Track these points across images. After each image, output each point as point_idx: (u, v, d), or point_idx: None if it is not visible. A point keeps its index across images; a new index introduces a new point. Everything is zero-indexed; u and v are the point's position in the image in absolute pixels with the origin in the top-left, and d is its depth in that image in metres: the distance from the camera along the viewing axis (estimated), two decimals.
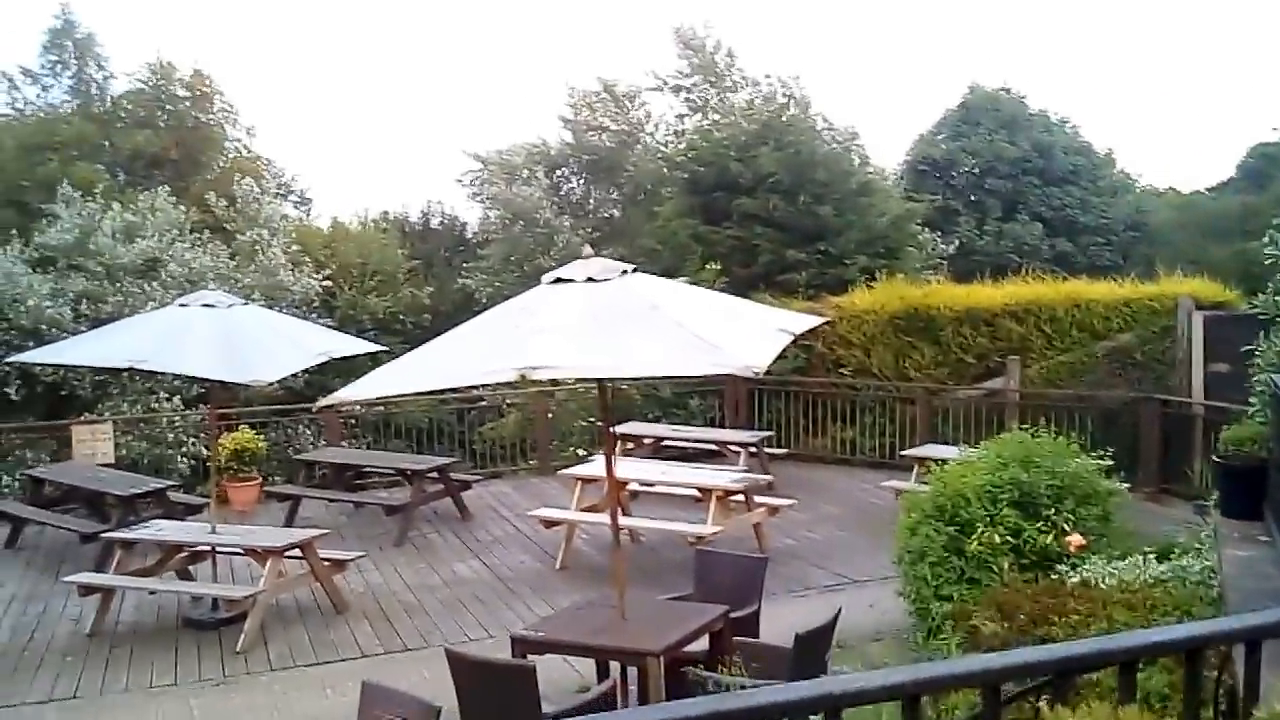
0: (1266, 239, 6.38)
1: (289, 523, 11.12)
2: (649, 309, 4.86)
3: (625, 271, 5.28)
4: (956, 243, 27.10)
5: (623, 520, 9.64)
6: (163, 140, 23.27)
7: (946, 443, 11.78)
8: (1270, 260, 6.33)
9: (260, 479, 12.17)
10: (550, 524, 9.79)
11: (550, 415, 14.33)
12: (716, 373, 4.47)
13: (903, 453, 11.71)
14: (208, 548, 8.34)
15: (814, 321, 5.73)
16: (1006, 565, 6.28)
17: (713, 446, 12.71)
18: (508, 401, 14.63)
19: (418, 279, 24.13)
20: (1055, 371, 12.77)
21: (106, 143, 23.24)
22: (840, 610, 5.45)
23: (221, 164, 24.49)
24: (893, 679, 2.15)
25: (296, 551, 8.19)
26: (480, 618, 8.34)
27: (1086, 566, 5.39)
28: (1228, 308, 11.87)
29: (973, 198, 30.17)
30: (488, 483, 13.37)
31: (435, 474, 11.17)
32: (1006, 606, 4.23)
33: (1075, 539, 5.88)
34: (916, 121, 47.23)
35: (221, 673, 7.34)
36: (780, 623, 7.99)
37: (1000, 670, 2.25)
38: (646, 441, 12.89)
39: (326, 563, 8.49)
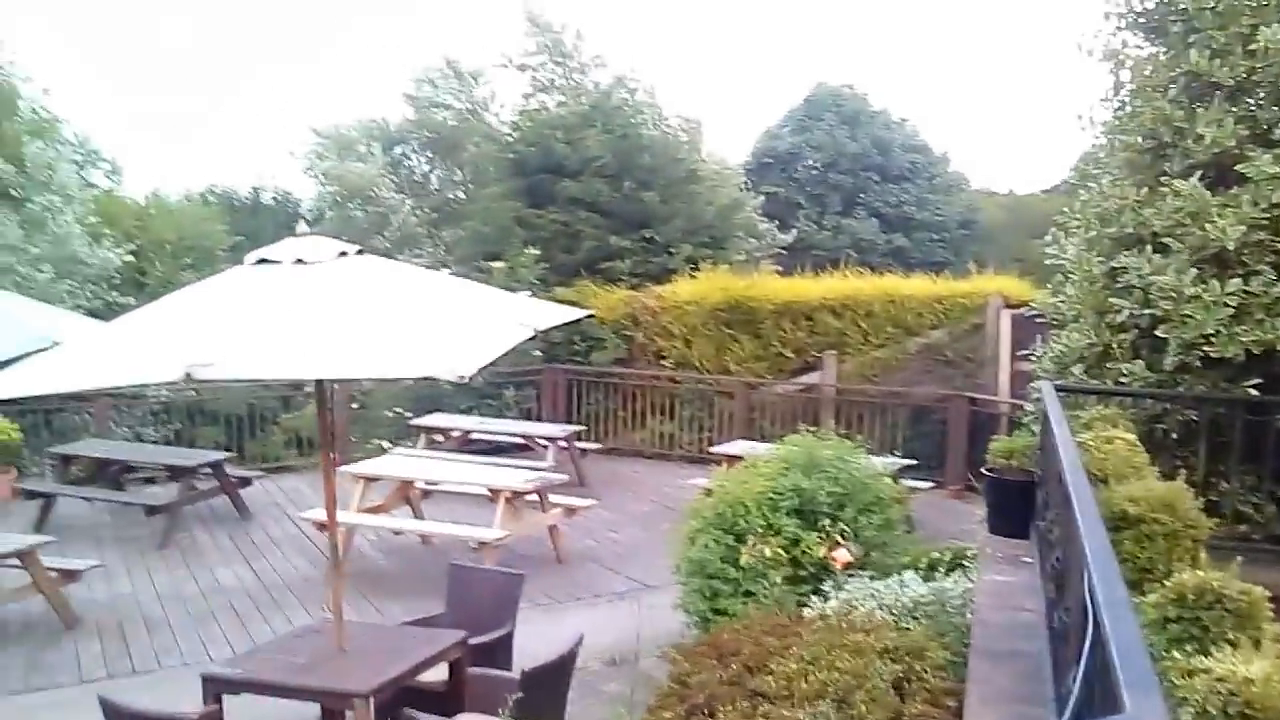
0: (1049, 238, 6.17)
1: (40, 523, 10.00)
2: (358, 299, 4.22)
3: (344, 254, 4.61)
4: (794, 235, 27.24)
5: (405, 524, 8.97)
6: None
7: (764, 438, 11.53)
8: (1050, 260, 6.12)
9: (15, 472, 10.93)
10: (324, 526, 8.98)
11: (355, 405, 13.47)
12: (423, 375, 3.86)
13: (711, 449, 11.36)
14: None
15: (571, 314, 5.18)
16: (780, 580, 5.90)
17: (521, 440, 12.12)
18: (305, 390, 13.67)
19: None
20: (870, 367, 12.68)
21: None
22: (581, 638, 4.91)
23: (16, 125, 22.39)
24: None
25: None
26: (231, 633, 7.51)
27: (848, 586, 5.01)
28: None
29: (814, 191, 30.44)
30: (281, 477, 12.46)
31: (208, 469, 10.21)
32: (726, 647, 3.78)
33: (841, 555, 5.52)
34: (765, 115, 47.61)
35: None
36: (555, 638, 7.52)
37: None
38: (454, 434, 12.21)
39: (53, 573, 7.51)
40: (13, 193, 17.93)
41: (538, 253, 14.14)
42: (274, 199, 32.29)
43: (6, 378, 3.96)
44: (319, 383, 4.84)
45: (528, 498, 8.99)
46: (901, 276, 14.36)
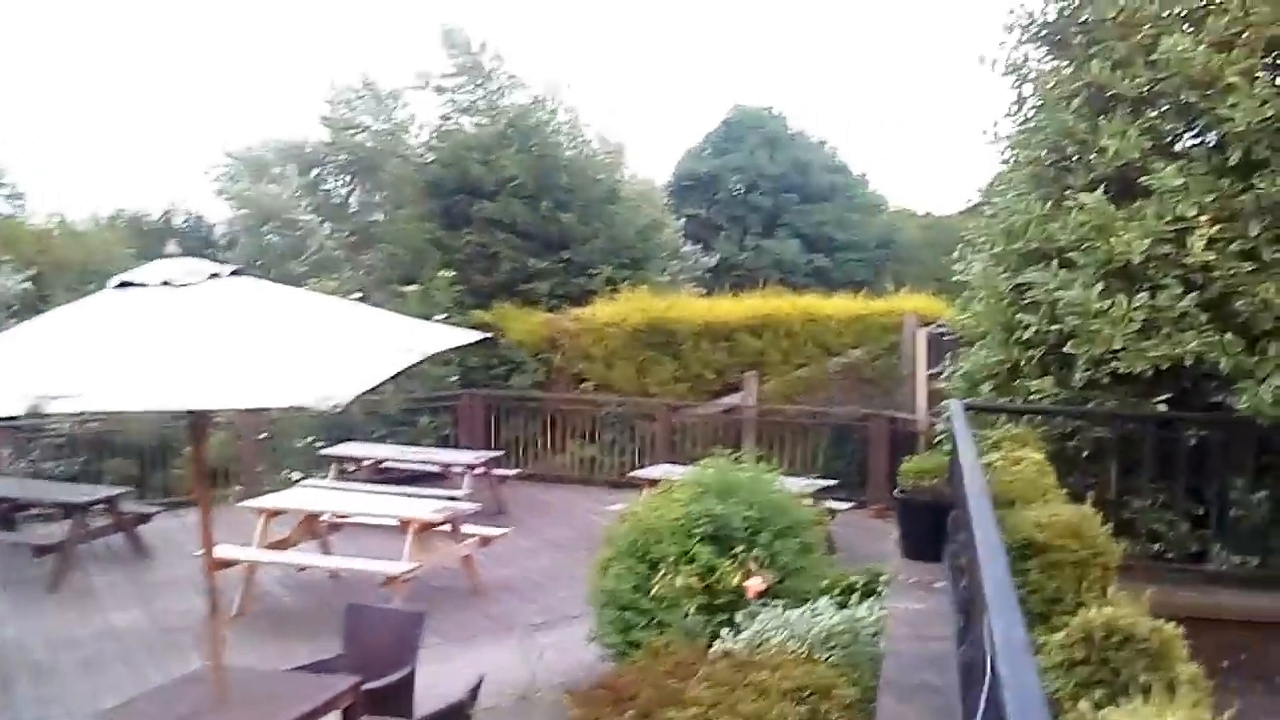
0: (956, 254, 6.12)
1: None
2: (229, 324, 3.94)
3: (216, 275, 4.33)
4: (718, 257, 27.30)
5: (310, 559, 8.61)
6: None
7: (687, 461, 11.37)
8: (958, 277, 6.06)
9: None
10: (223, 564, 8.57)
11: (263, 436, 12.99)
12: (294, 405, 3.60)
13: (632, 474, 11.16)
14: None
15: (464, 337, 4.93)
16: (694, 609, 5.71)
17: (437, 469, 11.79)
18: (214, 420, 13.16)
19: None
20: (791, 387, 12.63)
21: None
22: (481, 680, 4.67)
23: None
24: None
25: None
26: (121, 680, 7.06)
27: (760, 617, 4.84)
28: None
29: (735, 213, 30.56)
30: (185, 512, 11.93)
31: (103, 505, 9.72)
32: (624, 690, 3.57)
33: (754, 584, 5.35)
34: (686, 138, 47.88)
35: None
36: (467, 675, 7.23)
37: None
38: (366, 463, 11.83)
39: None
40: None
41: (453, 275, 13.85)
42: (185, 223, 31.42)
43: None
44: (191, 414, 4.53)
45: (440, 528, 8.70)
46: (822, 296, 14.39)
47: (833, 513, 10.03)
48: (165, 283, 4.18)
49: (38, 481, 11.41)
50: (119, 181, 49.64)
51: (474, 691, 4.49)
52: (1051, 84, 5.83)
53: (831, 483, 10.03)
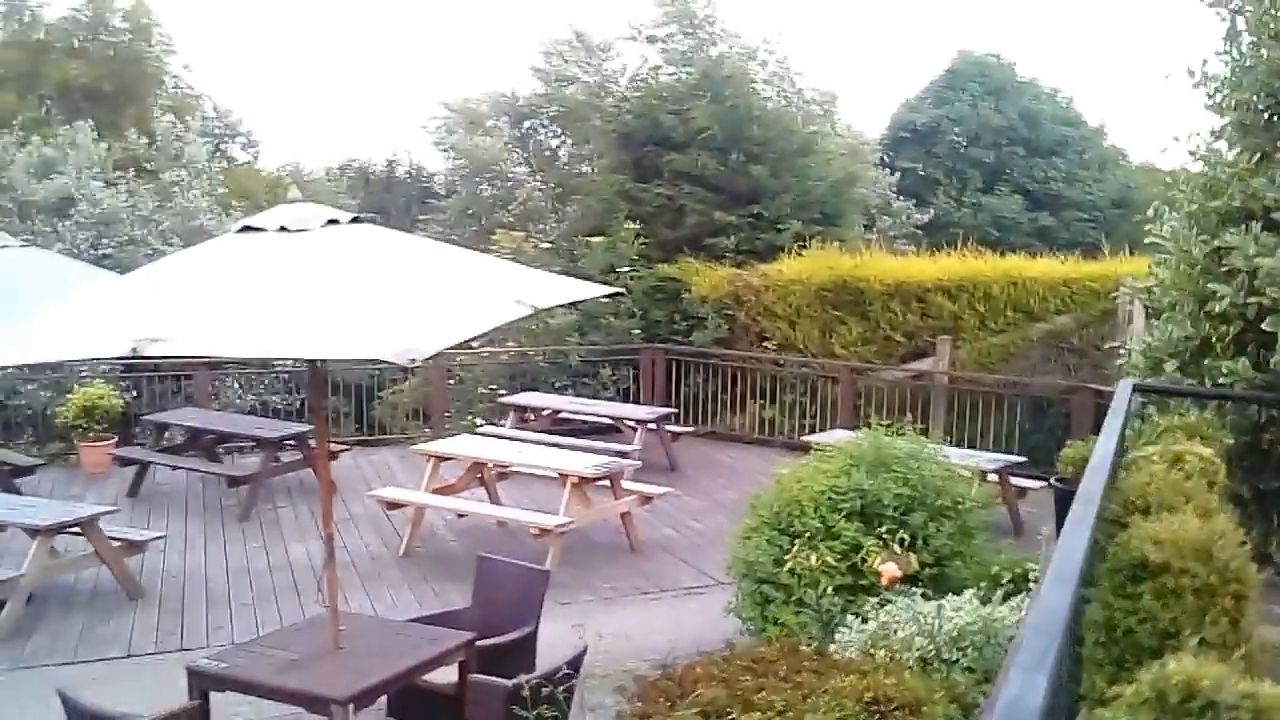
0: (1151, 212, 5.33)
1: (134, 490, 10.23)
2: (331, 271, 3.86)
3: (334, 221, 4.27)
4: (931, 213, 25.97)
5: (470, 506, 8.71)
6: (95, 71, 22.09)
7: (868, 427, 10.83)
8: (1151, 239, 5.28)
9: (115, 439, 11.19)
10: (393, 506, 8.83)
11: (454, 381, 13.36)
12: (371, 357, 3.48)
13: (805, 438, 10.72)
14: None
15: (590, 291, 4.70)
16: (831, 590, 5.32)
17: (609, 421, 11.74)
18: (415, 365, 13.60)
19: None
20: (987, 354, 11.76)
21: (36, 73, 22.06)
22: (585, 649, 4.47)
23: (159, 100, 23.31)
24: None
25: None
26: (286, 611, 7.38)
27: (890, 606, 4.41)
28: None
29: (954, 167, 28.92)
30: (374, 451, 12.45)
31: (293, 442, 10.21)
32: (689, 686, 3.25)
33: (888, 569, 4.90)
34: (904, 87, 45.75)
35: None
36: (607, 633, 7.08)
37: None
38: (545, 413, 11.92)
39: (117, 543, 7.54)
40: (147, 166, 18.61)
41: (637, 228, 13.68)
42: (408, 173, 32.82)
43: None
44: (311, 363, 4.52)
45: (600, 483, 8.60)
46: (1038, 257, 13.29)
47: (1022, 491, 9.30)
48: (282, 228, 4.15)
49: (240, 416, 12.14)
50: (350, 134, 52.54)
51: (575, 661, 4.30)
52: (1263, 14, 4.90)
53: (1019, 459, 9.25)
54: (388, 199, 31.25)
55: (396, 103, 47.34)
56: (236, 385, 14.45)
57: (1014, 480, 9.20)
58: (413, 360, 3.28)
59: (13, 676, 6.35)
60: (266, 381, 14.85)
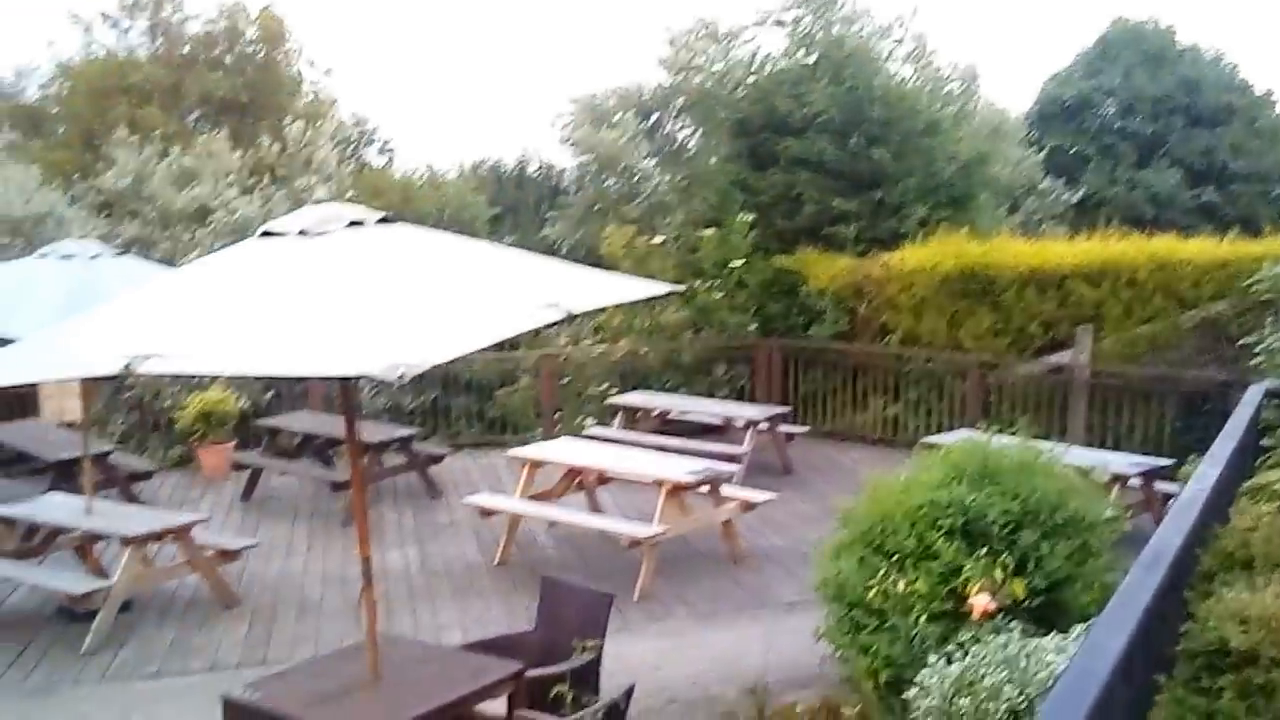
0: None
1: (247, 494, 10.36)
2: (339, 279, 3.56)
3: (358, 223, 3.97)
4: (1082, 192, 24.44)
5: (559, 514, 8.41)
6: (232, 83, 22.89)
7: (1002, 428, 10.04)
8: None
9: (234, 444, 11.38)
10: (487, 513, 8.60)
11: (564, 381, 13.12)
12: (357, 374, 3.15)
13: (925, 439, 10.01)
14: (76, 530, 7.47)
15: (646, 290, 4.27)
16: (924, 619, 4.75)
17: (718, 421, 11.27)
18: (521, 367, 13.47)
19: (500, 228, 23.13)
20: (1134, 345, 10.75)
21: (178, 86, 23.00)
22: (632, 688, 4.06)
23: (295, 108, 23.99)
24: None
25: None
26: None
27: (978, 646, 3.83)
28: None
29: (1107, 142, 27.13)
30: (485, 453, 12.32)
31: (397, 445, 10.14)
32: None
33: (980, 601, 4.30)
34: (1052, 60, 43.30)
35: (49, 678, 6.47)
36: (696, 657, 6.65)
37: None
38: (653, 414, 11.54)
39: (210, 552, 7.54)
40: (279, 173, 19.11)
41: (751, 218, 13.14)
42: (537, 171, 32.96)
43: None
44: (344, 379, 4.25)
45: (699, 490, 8.16)
46: (1196, 236, 12.16)
47: (1167, 500, 8.39)
48: (301, 232, 3.89)
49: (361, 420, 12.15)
50: (482, 134, 53.31)
51: (627, 694, 3.89)
52: None
53: (1166, 462, 8.34)
54: (519, 196, 31.45)
55: (527, 101, 47.73)
56: (366, 387, 14.57)
57: (1160, 486, 8.30)
58: (402, 376, 2.93)
59: (93, 690, 6.35)
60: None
